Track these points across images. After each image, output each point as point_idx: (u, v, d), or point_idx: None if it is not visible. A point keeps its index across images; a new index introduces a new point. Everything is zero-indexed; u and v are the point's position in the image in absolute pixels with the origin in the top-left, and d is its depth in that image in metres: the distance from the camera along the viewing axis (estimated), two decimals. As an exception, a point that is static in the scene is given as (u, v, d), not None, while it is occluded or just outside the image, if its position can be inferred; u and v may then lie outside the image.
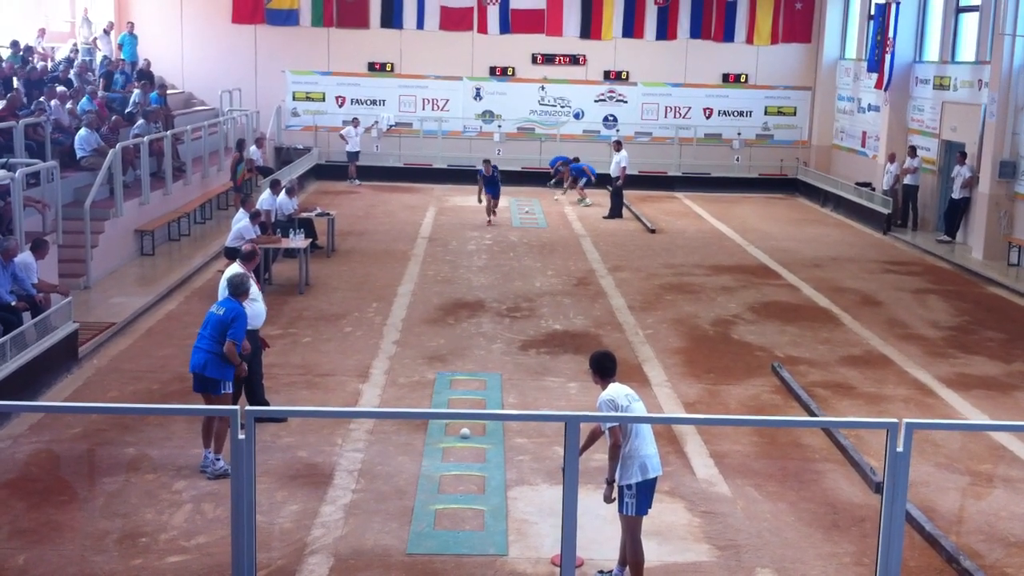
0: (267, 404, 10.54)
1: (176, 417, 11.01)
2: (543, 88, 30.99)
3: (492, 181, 23.68)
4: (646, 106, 31.16)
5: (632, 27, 30.68)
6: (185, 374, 12.59)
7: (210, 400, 9.88)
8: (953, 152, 23.17)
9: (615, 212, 25.14)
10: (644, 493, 7.77)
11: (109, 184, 17.99)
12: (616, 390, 7.96)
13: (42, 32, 27.44)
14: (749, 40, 30.88)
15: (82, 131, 18.85)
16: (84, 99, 21.50)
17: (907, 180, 24.21)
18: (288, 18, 30.37)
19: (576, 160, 27.76)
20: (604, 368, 8.05)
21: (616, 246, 21.61)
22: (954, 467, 10.51)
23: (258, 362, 11.05)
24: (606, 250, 21.14)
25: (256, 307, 10.90)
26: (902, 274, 19.82)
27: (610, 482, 7.83)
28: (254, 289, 10.99)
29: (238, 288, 10.27)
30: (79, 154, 18.70)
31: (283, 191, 19.16)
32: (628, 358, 13.91)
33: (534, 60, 30.82)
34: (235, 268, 11.09)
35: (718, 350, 14.44)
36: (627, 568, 7.97)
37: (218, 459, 9.70)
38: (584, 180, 26.90)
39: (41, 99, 20.04)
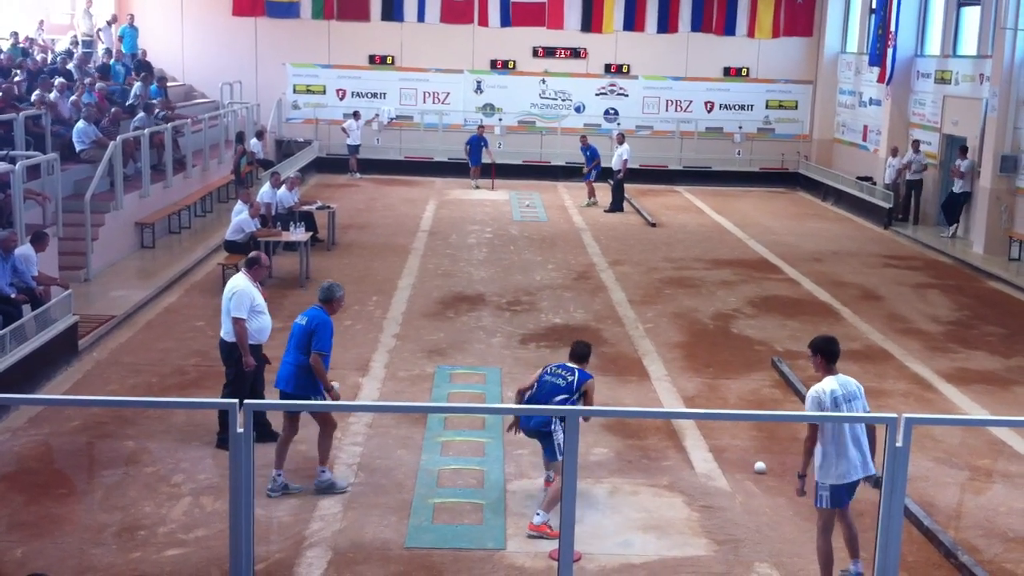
0: (267, 423, 10.34)
1: (176, 410, 10.99)
2: (544, 81, 30.95)
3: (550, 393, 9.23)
4: (647, 99, 31.11)
5: (633, 20, 30.63)
6: (185, 367, 12.66)
7: (294, 421, 9.48)
8: (954, 146, 23.14)
9: (616, 206, 25.10)
10: (838, 492, 7.68)
11: (109, 177, 17.97)
12: (825, 385, 7.61)
13: (41, 24, 27.42)
14: (750, 33, 30.83)
15: (80, 124, 18.83)
16: (86, 91, 21.48)
17: (909, 175, 24.16)
18: (288, 11, 30.33)
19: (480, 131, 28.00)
20: (831, 353, 7.71)
21: (616, 240, 21.59)
22: (953, 462, 10.51)
23: (260, 379, 10.48)
24: (606, 244, 21.12)
25: (263, 320, 10.29)
26: (903, 268, 19.81)
27: (801, 476, 7.75)
28: (260, 301, 10.26)
29: (327, 295, 9.45)
30: (78, 147, 18.68)
31: (283, 184, 19.17)
32: (628, 352, 13.91)
33: (535, 53, 30.77)
34: (239, 279, 10.28)
35: (718, 344, 14.44)
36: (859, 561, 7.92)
37: (323, 471, 9.39)
38: (595, 172, 26.23)
39: (38, 91, 19.98)
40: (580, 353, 9.28)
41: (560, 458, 8.55)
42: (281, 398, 9.47)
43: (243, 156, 22.57)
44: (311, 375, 9.26)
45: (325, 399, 9.37)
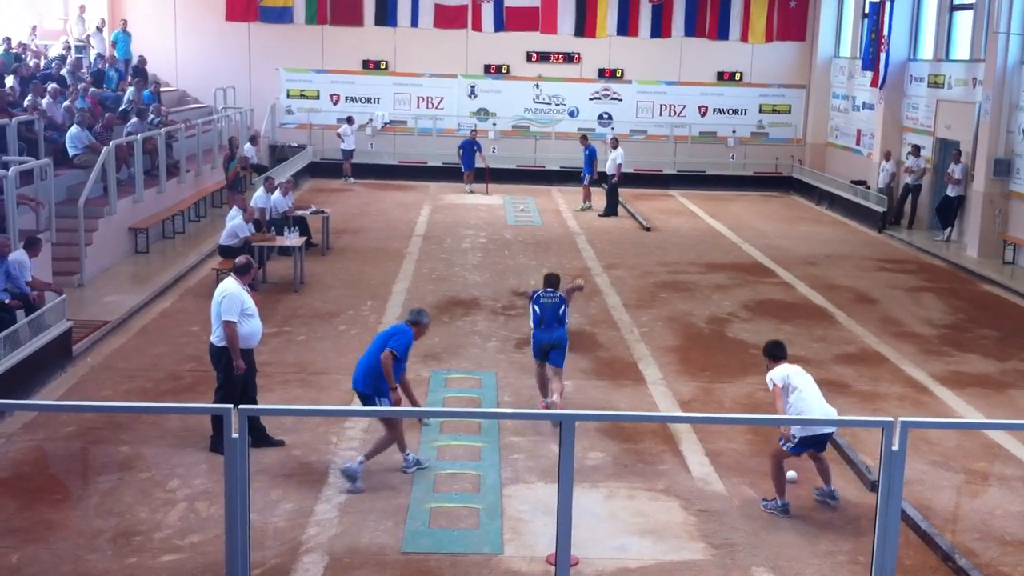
0: (262, 428, 10.37)
1: (170, 416, 10.96)
2: (538, 86, 30.97)
3: (551, 311, 11.53)
4: (641, 104, 31.14)
5: (626, 25, 30.67)
6: (179, 372, 12.63)
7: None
8: (947, 150, 23.19)
9: (610, 210, 25.11)
10: (803, 442, 9.16)
11: (103, 182, 17.93)
12: (779, 370, 9.45)
13: (34, 29, 27.39)
14: (743, 38, 30.89)
15: (73, 129, 18.77)
16: (79, 97, 21.44)
17: (909, 180, 24.15)
18: (282, 16, 30.31)
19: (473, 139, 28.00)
20: (771, 355, 9.66)
21: (611, 244, 21.59)
22: (949, 465, 10.51)
23: (252, 383, 10.49)
24: (601, 248, 21.12)
25: (253, 324, 10.25)
26: (897, 272, 19.83)
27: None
28: (250, 305, 10.25)
29: (415, 319, 10.00)
30: (71, 152, 18.63)
31: (277, 189, 19.14)
32: (623, 356, 13.90)
33: (528, 58, 30.79)
34: (228, 283, 10.26)
35: (713, 348, 14.44)
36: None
37: (361, 461, 9.62)
38: (588, 176, 26.17)
39: (30, 96, 19.94)
40: (555, 282, 11.78)
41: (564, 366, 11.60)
42: (360, 399, 9.89)
43: (232, 160, 22.47)
44: (380, 376, 9.63)
45: (390, 403, 9.65)
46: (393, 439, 9.79)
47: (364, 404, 9.86)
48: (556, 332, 11.44)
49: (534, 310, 11.55)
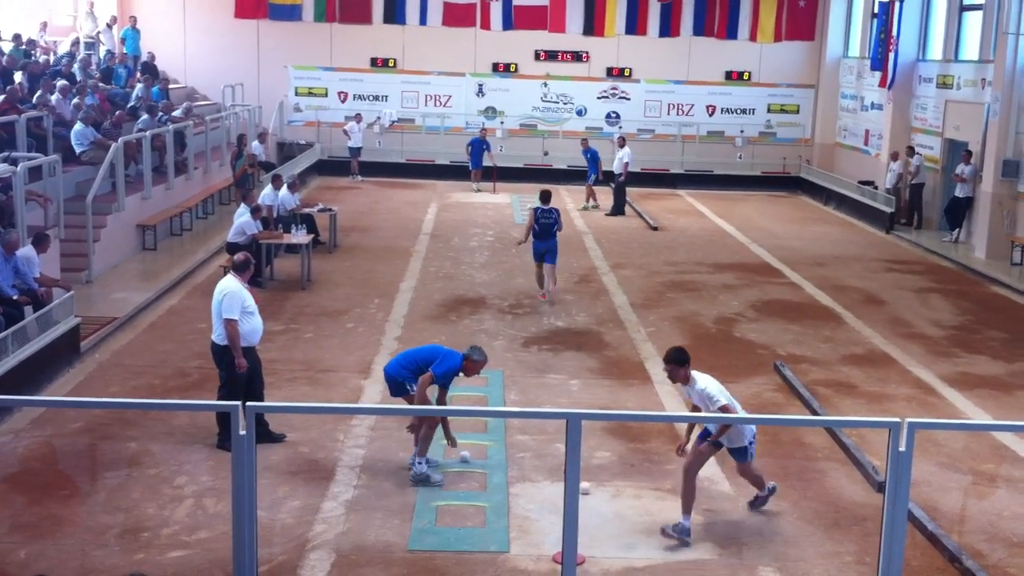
0: (264, 423, 10.36)
1: (177, 412, 10.99)
2: (546, 85, 30.97)
3: (548, 228, 16.28)
4: (649, 103, 31.11)
5: (635, 24, 30.64)
6: (186, 369, 12.65)
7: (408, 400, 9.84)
8: (956, 151, 23.14)
9: (617, 209, 25.11)
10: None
11: (111, 178, 17.96)
12: (711, 382, 9.07)
13: (44, 26, 27.44)
14: (752, 37, 30.83)
15: (78, 126, 18.76)
16: (88, 93, 21.47)
17: (914, 180, 24.12)
18: (291, 13, 30.34)
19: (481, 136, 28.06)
20: (687, 360, 9.08)
21: (618, 243, 21.59)
22: (956, 467, 10.50)
23: (259, 379, 10.50)
24: (608, 247, 21.12)
25: (254, 322, 10.25)
26: (905, 273, 19.80)
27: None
28: (251, 302, 10.24)
29: (470, 353, 9.88)
30: (77, 149, 18.62)
31: (284, 186, 19.16)
32: (630, 356, 13.90)
33: (537, 56, 30.78)
34: (228, 281, 10.26)
35: (720, 348, 14.43)
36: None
37: (420, 462, 9.64)
38: (593, 177, 26.31)
39: (39, 93, 19.96)
40: (547, 196, 16.36)
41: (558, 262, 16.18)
42: (386, 379, 10.08)
43: (239, 157, 22.45)
44: (415, 374, 9.77)
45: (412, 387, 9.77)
46: (434, 428, 9.82)
47: (394, 391, 9.90)
48: (550, 242, 15.93)
49: (534, 228, 16.00)
